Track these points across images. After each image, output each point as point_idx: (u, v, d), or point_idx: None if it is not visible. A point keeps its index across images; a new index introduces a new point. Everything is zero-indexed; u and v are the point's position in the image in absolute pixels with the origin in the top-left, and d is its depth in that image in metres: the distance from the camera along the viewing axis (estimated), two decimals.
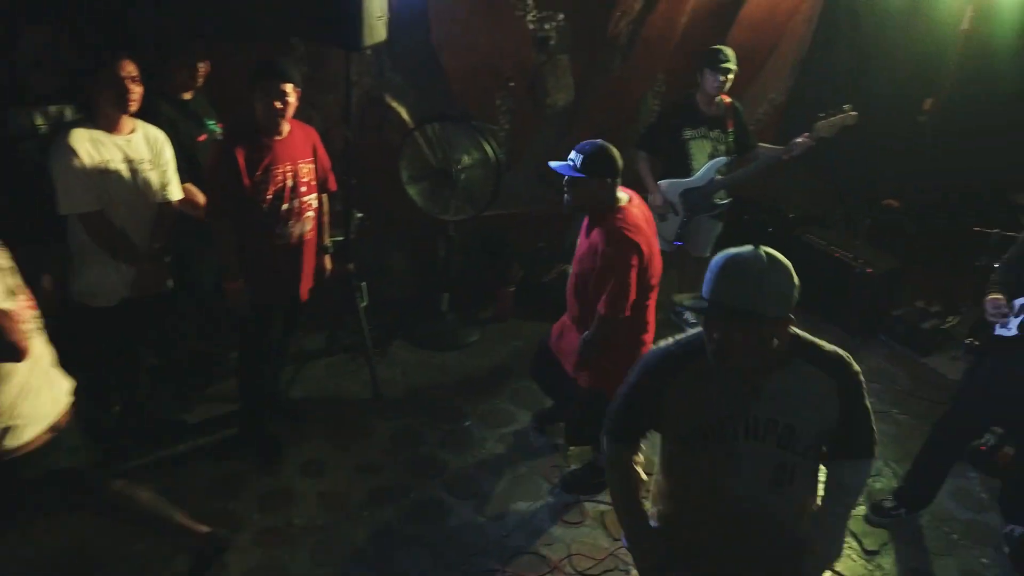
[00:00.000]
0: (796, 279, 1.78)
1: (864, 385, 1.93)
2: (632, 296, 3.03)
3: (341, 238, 3.93)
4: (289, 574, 3.05)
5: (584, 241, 3.18)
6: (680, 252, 4.75)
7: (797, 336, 1.88)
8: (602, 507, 3.51)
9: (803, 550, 2.02)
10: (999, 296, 3.15)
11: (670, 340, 2.01)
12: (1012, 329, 3.12)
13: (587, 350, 3.19)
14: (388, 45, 3.96)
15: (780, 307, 1.74)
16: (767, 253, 1.75)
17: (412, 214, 4.37)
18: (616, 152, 3.00)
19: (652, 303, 3.26)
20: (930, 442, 3.51)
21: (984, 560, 3.42)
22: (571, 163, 2.98)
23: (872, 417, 1.98)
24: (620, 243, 2.97)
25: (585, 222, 3.24)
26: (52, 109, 3.44)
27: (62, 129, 2.95)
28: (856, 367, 1.92)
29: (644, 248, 3.01)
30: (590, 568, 3.19)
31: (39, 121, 3.42)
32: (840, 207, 6.67)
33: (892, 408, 4.47)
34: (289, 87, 3.06)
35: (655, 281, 3.19)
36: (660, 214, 4.51)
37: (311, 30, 3.65)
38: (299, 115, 3.25)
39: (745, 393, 1.86)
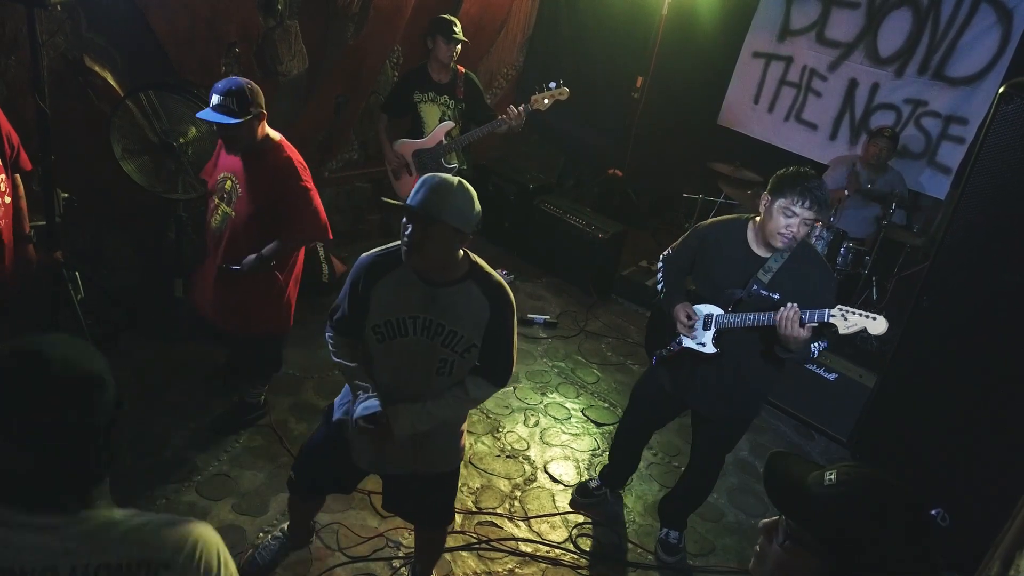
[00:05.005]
0: (478, 206, 2.20)
1: (512, 315, 2.33)
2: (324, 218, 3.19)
3: (43, 223, 3.38)
4: None
5: (241, 183, 3.12)
6: None
7: (475, 263, 2.32)
8: (368, 486, 3.46)
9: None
10: (686, 305, 2.98)
11: (376, 249, 2.36)
12: (708, 346, 2.92)
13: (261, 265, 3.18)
14: (82, 1, 3.55)
15: (458, 220, 2.14)
16: (458, 180, 2.17)
17: (135, 193, 3.89)
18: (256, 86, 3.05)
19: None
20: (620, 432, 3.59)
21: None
22: (225, 107, 2.91)
23: (512, 351, 2.38)
24: (297, 174, 3.10)
25: (220, 159, 3.23)
26: None
27: None
28: (510, 297, 2.33)
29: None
30: (358, 546, 3.14)
31: None
32: (571, 176, 7.17)
33: (627, 360, 4.92)
34: None
35: None
36: (394, 171, 4.80)
37: None
38: None
39: (425, 299, 2.26)
